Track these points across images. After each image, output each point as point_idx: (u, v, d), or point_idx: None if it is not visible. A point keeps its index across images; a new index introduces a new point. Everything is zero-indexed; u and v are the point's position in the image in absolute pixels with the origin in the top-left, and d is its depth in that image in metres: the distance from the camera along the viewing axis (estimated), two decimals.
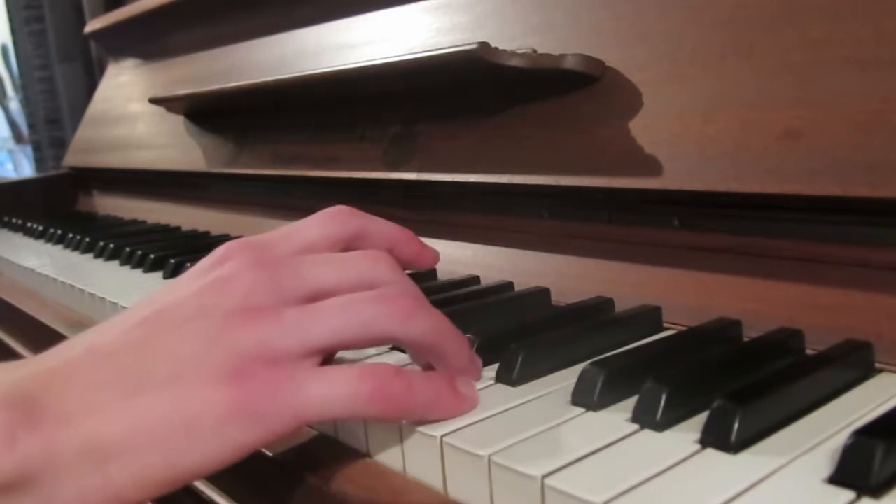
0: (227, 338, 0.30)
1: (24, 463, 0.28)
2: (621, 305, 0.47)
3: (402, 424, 0.33)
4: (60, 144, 1.76)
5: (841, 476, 0.26)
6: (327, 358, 0.34)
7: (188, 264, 0.66)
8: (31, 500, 0.28)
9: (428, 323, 0.33)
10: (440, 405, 0.33)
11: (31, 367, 0.31)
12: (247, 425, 0.29)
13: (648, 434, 0.31)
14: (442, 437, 0.31)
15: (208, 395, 0.29)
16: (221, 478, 0.40)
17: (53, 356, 0.31)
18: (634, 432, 0.31)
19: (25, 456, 0.28)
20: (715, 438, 0.29)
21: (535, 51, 0.50)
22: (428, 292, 0.51)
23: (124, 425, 0.29)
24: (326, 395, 0.30)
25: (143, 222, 1.05)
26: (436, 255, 0.40)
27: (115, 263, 0.79)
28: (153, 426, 0.29)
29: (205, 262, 0.34)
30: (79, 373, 0.30)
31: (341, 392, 0.30)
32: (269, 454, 0.37)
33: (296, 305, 0.32)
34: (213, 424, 0.29)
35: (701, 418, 0.30)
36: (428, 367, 0.36)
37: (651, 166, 0.43)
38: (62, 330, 0.64)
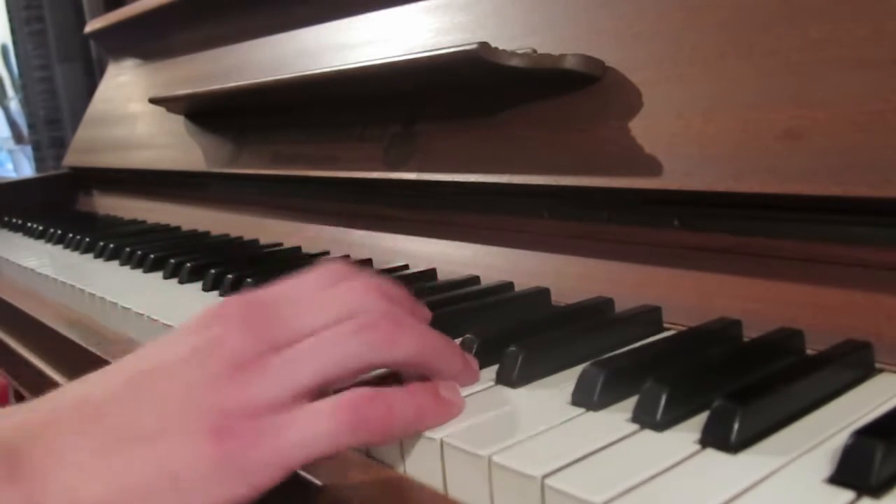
0: (213, 396, 0.30)
1: None
2: (621, 305, 0.47)
3: None
4: (60, 144, 1.76)
5: (841, 476, 0.26)
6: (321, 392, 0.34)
7: (188, 265, 0.67)
8: None
9: (412, 344, 0.33)
10: (425, 417, 0.32)
11: (18, 415, 0.31)
12: (230, 481, 0.29)
13: (648, 434, 0.31)
14: (442, 437, 0.31)
15: (192, 451, 0.29)
16: None
17: (42, 405, 0.31)
18: (634, 432, 0.31)
19: None
20: (715, 438, 0.29)
21: (535, 51, 0.50)
22: (428, 292, 0.52)
23: (106, 483, 0.28)
24: (307, 437, 0.30)
25: (143, 222, 1.05)
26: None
27: (115, 263, 0.79)
28: (136, 484, 0.28)
29: (198, 320, 0.34)
30: (65, 427, 0.30)
31: (321, 430, 0.30)
32: None
33: (281, 353, 0.32)
34: (196, 481, 0.29)
35: (701, 418, 0.30)
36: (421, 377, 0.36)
37: (651, 166, 0.43)
38: (62, 330, 0.64)
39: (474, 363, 0.37)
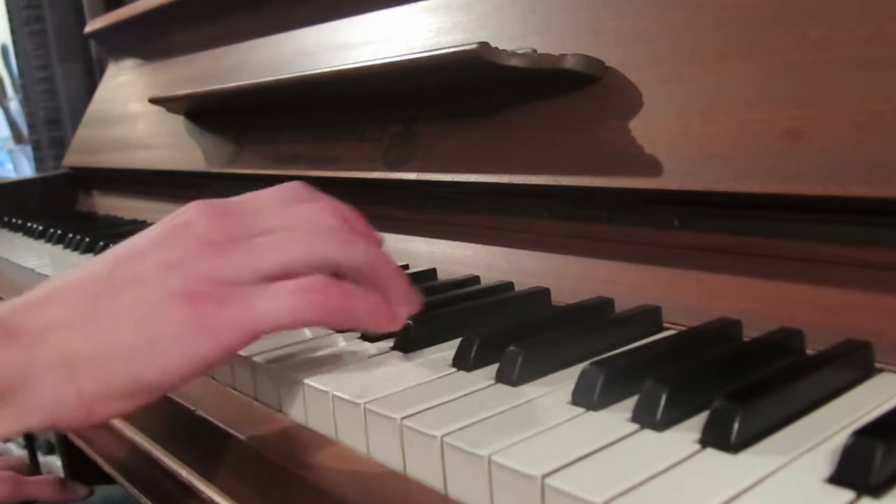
0: (185, 264, 0.33)
1: (2, 374, 0.31)
2: (621, 305, 0.47)
3: (400, 424, 0.33)
4: (60, 144, 1.76)
5: (841, 476, 0.26)
6: None
7: None
8: (10, 409, 0.31)
9: (366, 249, 0.36)
10: (376, 317, 0.36)
11: (7, 302, 0.34)
12: (202, 340, 0.32)
13: (648, 434, 0.31)
14: (442, 436, 0.31)
15: (167, 314, 0.32)
16: (222, 478, 0.40)
17: (29, 294, 0.35)
18: (634, 432, 0.31)
19: (4, 368, 0.31)
20: (715, 438, 0.29)
21: (535, 51, 0.50)
22: (428, 292, 0.52)
23: (92, 340, 0.32)
24: (271, 308, 0.33)
25: (143, 222, 1.05)
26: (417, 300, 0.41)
27: None
28: (117, 341, 0.32)
29: (171, 214, 0.37)
30: (53, 296, 0.34)
31: (284, 304, 0.33)
32: (270, 455, 0.37)
33: (247, 241, 0.35)
34: (170, 339, 0.32)
35: (701, 418, 0.30)
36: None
37: (651, 166, 0.43)
38: None
39: (417, 294, 0.39)
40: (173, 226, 0.36)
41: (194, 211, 0.36)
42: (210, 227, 0.35)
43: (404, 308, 0.38)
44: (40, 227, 1.05)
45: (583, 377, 0.34)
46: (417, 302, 0.39)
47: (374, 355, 0.42)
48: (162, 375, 0.32)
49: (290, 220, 0.37)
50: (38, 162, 1.91)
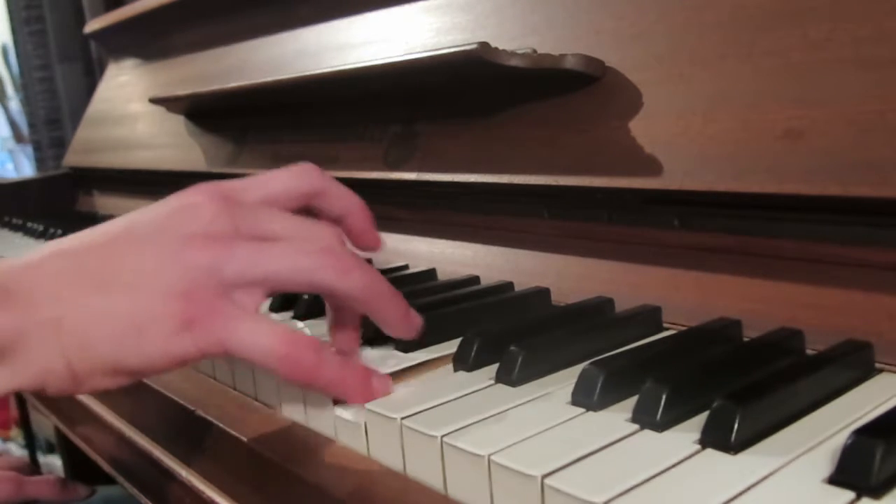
0: (184, 259, 0.33)
1: None
2: (621, 305, 0.47)
3: (400, 424, 0.33)
4: (60, 144, 1.76)
5: (841, 476, 0.26)
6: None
7: None
8: (2, 369, 0.32)
9: (364, 279, 0.36)
10: (344, 389, 0.36)
11: (4, 263, 0.34)
12: (183, 339, 0.33)
13: (648, 434, 0.31)
14: (442, 436, 0.31)
15: (159, 308, 0.33)
16: (223, 477, 0.40)
17: (23, 257, 0.35)
18: (634, 432, 0.31)
19: None
20: (715, 438, 0.29)
21: (535, 51, 0.50)
22: (428, 292, 0.52)
23: (83, 315, 0.32)
24: (249, 340, 0.34)
25: None
26: (379, 241, 0.43)
27: None
28: (107, 323, 0.33)
29: (176, 194, 0.37)
30: (48, 266, 0.34)
31: (261, 344, 0.34)
32: (270, 455, 0.37)
33: (250, 241, 0.35)
34: (156, 333, 0.33)
35: (701, 418, 0.30)
36: (340, 351, 0.40)
37: (651, 166, 0.43)
38: None
39: (417, 318, 0.40)
40: (179, 206, 0.35)
41: (203, 195, 0.36)
42: (218, 215, 0.35)
43: (384, 381, 0.37)
44: (40, 227, 1.05)
45: (583, 377, 0.34)
46: (418, 324, 0.39)
47: (374, 356, 0.42)
48: (144, 364, 0.33)
49: (297, 228, 0.37)
50: (39, 162, 1.91)
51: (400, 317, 0.38)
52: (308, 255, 0.35)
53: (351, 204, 0.41)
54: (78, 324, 0.32)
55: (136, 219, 0.36)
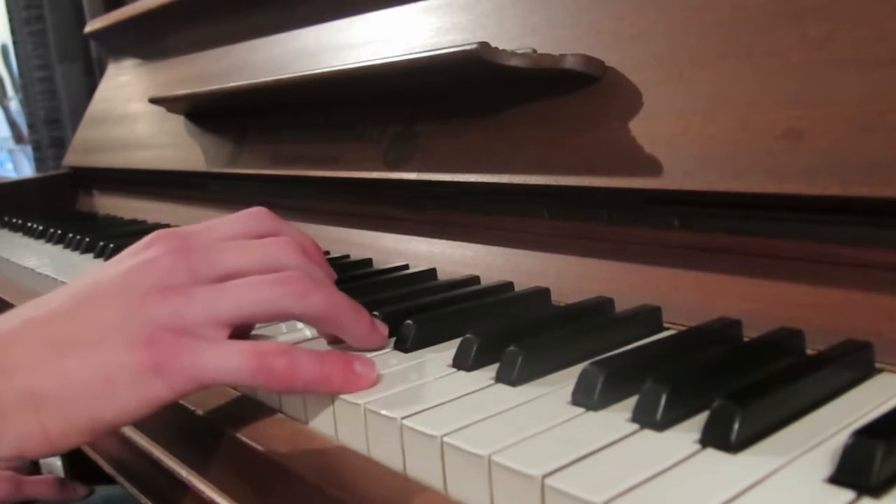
0: (145, 311, 0.35)
1: None
2: (621, 305, 0.47)
3: (400, 424, 0.33)
4: (60, 144, 1.76)
5: (841, 476, 0.26)
6: (242, 332, 0.41)
7: None
8: None
9: (323, 300, 0.38)
10: (330, 383, 0.36)
11: None
12: (154, 383, 0.34)
13: (648, 434, 0.31)
14: (442, 436, 0.31)
15: (125, 358, 0.34)
16: (222, 478, 0.40)
17: None
18: (634, 432, 0.31)
19: None
20: (715, 438, 0.29)
21: (535, 51, 0.50)
22: (428, 292, 0.52)
23: (56, 380, 0.34)
24: (219, 365, 0.35)
25: (143, 222, 1.05)
26: (334, 275, 0.44)
27: None
28: (80, 383, 0.34)
29: (134, 247, 0.39)
30: (18, 337, 0.35)
31: (230, 365, 0.35)
32: (270, 455, 0.37)
33: (208, 285, 0.37)
34: (127, 382, 0.34)
35: (701, 418, 0.30)
36: (334, 340, 0.42)
37: (651, 166, 0.43)
38: None
39: (383, 328, 0.42)
40: (136, 265, 0.37)
41: (157, 248, 0.37)
42: (175, 266, 0.37)
43: (367, 364, 0.38)
44: (40, 227, 1.05)
45: (583, 377, 0.34)
46: (384, 335, 0.42)
47: (374, 355, 0.42)
48: (120, 414, 0.34)
49: (253, 257, 0.38)
50: (39, 162, 1.91)
51: (364, 330, 0.40)
52: (265, 287, 0.37)
53: (301, 241, 0.42)
54: (52, 389, 0.34)
55: (96, 279, 0.37)
